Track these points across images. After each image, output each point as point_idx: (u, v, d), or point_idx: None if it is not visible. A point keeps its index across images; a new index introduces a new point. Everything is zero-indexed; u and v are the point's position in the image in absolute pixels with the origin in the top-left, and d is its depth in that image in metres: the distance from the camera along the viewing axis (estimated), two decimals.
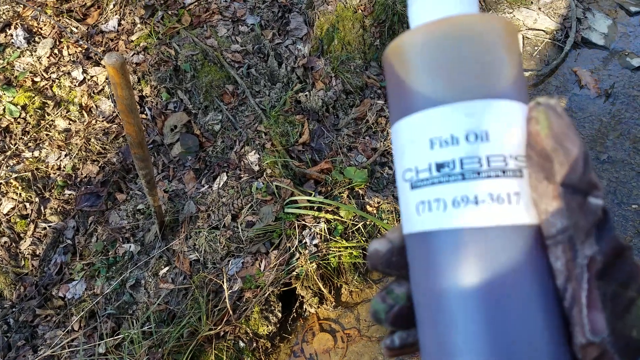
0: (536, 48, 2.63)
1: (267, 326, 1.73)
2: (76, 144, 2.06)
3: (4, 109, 2.07)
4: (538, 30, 2.69)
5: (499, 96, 0.24)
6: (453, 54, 0.25)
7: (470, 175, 0.24)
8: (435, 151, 0.25)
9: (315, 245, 1.82)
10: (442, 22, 0.25)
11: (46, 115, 2.12)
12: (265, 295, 1.73)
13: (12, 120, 2.07)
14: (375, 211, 1.93)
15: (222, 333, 1.68)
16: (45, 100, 2.13)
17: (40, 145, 2.07)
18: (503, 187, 0.24)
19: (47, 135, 2.08)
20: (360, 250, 1.87)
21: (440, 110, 0.25)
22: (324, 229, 1.84)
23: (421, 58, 0.25)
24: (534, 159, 0.24)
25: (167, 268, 1.81)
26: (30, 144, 2.06)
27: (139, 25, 2.30)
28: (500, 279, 0.23)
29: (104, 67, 2.20)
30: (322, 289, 1.82)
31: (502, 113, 0.24)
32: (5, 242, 1.90)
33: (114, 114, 2.14)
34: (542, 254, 0.24)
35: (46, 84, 2.17)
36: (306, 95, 2.16)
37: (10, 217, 1.93)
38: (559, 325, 0.23)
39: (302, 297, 1.82)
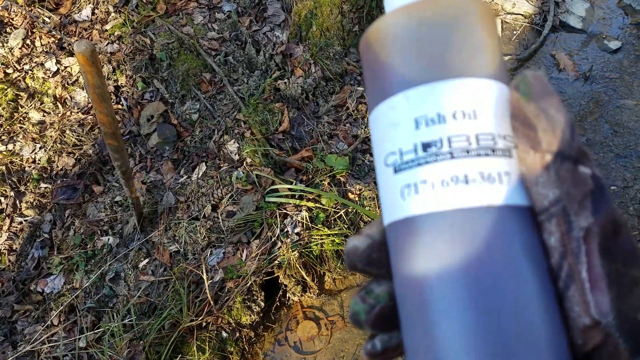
0: (515, 32, 2.64)
1: (250, 316, 1.72)
2: (51, 136, 2.02)
3: None
4: (516, 14, 2.69)
5: (485, 76, 0.24)
6: (437, 34, 0.24)
7: (459, 154, 0.23)
8: (421, 131, 0.24)
9: (297, 234, 1.81)
10: (423, 3, 0.25)
11: (19, 108, 2.07)
12: (248, 284, 1.72)
13: None
14: (357, 198, 1.93)
15: (204, 324, 1.67)
16: (18, 92, 2.08)
17: (14, 138, 2.02)
18: (493, 166, 0.23)
19: (20, 127, 2.04)
20: (343, 238, 1.87)
21: (426, 89, 0.24)
22: (306, 217, 1.83)
23: (404, 38, 0.25)
24: (518, 129, 0.23)
25: (146, 260, 1.79)
26: (3, 137, 2.01)
27: (113, 14, 2.26)
28: (492, 262, 0.22)
29: None
30: (305, 277, 1.81)
31: (489, 92, 0.24)
32: None
33: (89, 105, 2.10)
34: (535, 236, 0.23)
35: (19, 76, 2.12)
36: (285, 82, 2.14)
37: None
38: (556, 310, 0.22)
39: (285, 285, 1.82)
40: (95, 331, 1.65)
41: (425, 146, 0.23)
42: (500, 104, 0.24)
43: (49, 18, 2.23)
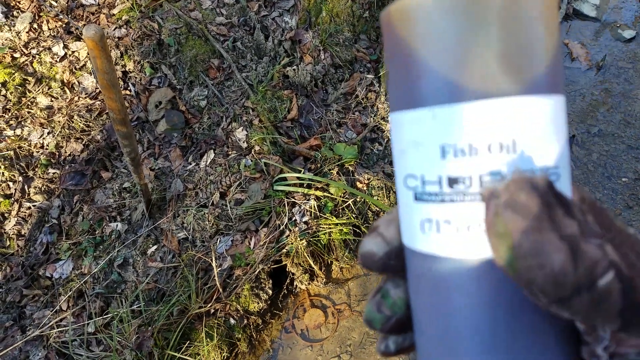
0: None
1: (258, 303, 1.72)
2: (59, 122, 2.01)
3: None
4: None
5: (533, 91, 0.19)
6: (476, 33, 0.18)
7: None
8: (448, 161, 0.19)
9: (305, 223, 1.80)
10: None
11: (27, 92, 2.06)
12: (256, 272, 1.72)
13: None
14: (365, 188, 1.92)
15: (212, 311, 1.67)
16: (25, 77, 2.07)
17: (22, 123, 2.01)
18: None
19: (28, 112, 2.03)
20: (351, 227, 1.86)
21: (456, 110, 0.19)
22: (314, 206, 1.82)
23: (432, 33, 0.19)
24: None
25: (155, 247, 1.79)
26: (11, 122, 2.00)
27: None
28: (521, 318, 0.20)
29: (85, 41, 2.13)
30: (313, 265, 1.81)
31: (535, 115, 0.19)
32: None
33: (97, 90, 2.09)
34: None
35: (26, 60, 2.10)
36: (294, 69, 2.12)
37: None
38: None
39: (293, 274, 1.82)
40: (104, 317, 1.66)
41: (452, 182, 0.19)
42: (548, 130, 0.19)
43: (56, 1, 2.21)
